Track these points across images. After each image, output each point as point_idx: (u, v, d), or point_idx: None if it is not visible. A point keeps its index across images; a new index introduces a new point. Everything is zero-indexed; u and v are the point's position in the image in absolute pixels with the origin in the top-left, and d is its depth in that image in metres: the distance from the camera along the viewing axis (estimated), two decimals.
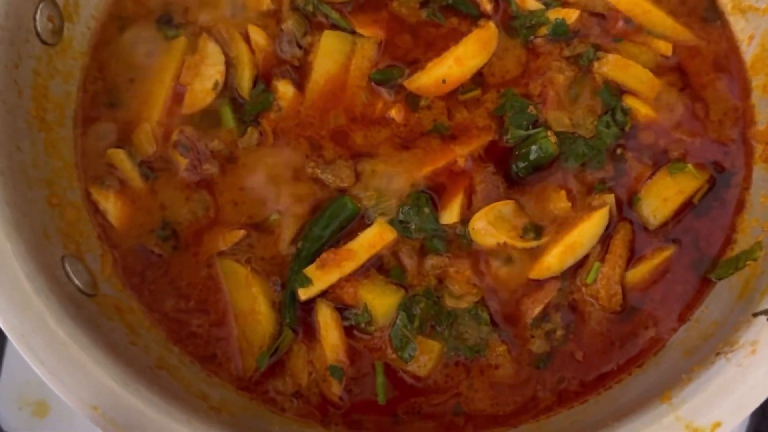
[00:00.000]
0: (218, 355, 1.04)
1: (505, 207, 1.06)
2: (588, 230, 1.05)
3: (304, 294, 1.02)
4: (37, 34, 1.03)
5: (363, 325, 1.03)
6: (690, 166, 1.08)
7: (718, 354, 0.90)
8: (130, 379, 0.87)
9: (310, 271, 1.02)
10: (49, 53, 1.06)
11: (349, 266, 1.03)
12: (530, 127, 1.09)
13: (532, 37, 1.14)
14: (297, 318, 1.04)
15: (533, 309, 1.04)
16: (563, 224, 1.07)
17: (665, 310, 1.07)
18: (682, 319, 1.06)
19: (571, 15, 1.14)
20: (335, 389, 1.01)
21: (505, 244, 1.05)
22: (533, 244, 1.05)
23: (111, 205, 1.07)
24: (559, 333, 1.04)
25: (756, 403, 0.85)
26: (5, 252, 0.89)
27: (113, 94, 1.12)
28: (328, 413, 1.03)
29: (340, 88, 1.12)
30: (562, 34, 1.13)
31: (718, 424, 0.84)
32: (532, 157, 1.07)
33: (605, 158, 1.09)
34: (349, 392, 1.03)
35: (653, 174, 1.09)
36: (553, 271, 1.05)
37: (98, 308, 0.97)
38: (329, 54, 1.12)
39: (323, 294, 1.04)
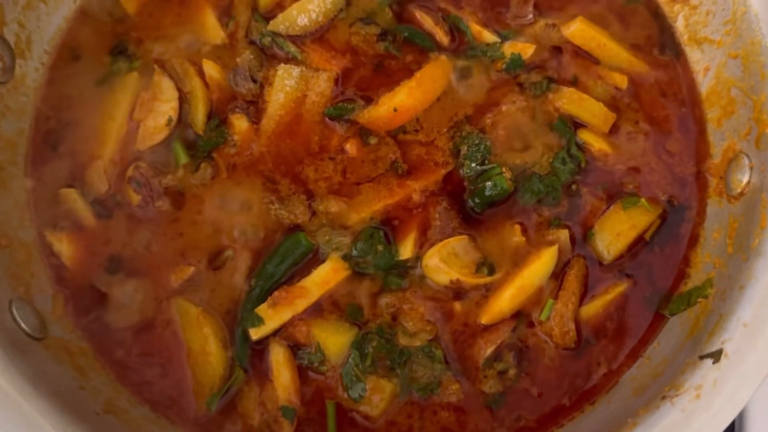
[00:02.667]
0: (171, 396, 1.03)
1: (458, 243, 1.06)
2: (538, 270, 1.05)
3: (255, 334, 1.02)
4: None
5: (316, 364, 1.03)
6: (643, 200, 1.09)
7: (663, 398, 0.90)
8: (75, 427, 0.87)
9: (262, 310, 1.02)
10: (0, 92, 1.05)
11: (301, 304, 1.03)
12: (486, 161, 1.08)
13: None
14: (248, 358, 1.03)
15: (485, 350, 1.04)
16: (518, 260, 1.06)
17: (618, 346, 1.07)
18: (635, 354, 1.06)
19: (527, 49, 1.14)
20: (286, 430, 1.00)
21: (458, 280, 1.04)
22: (487, 280, 1.05)
23: (64, 246, 1.07)
24: (512, 372, 1.04)
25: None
26: None
27: (65, 132, 1.12)
28: None
29: (296, 123, 1.11)
30: (517, 68, 1.13)
31: None
32: (487, 193, 1.07)
33: (561, 194, 1.08)
34: None
35: (607, 208, 1.09)
36: (504, 315, 1.05)
37: (46, 352, 0.97)
38: (284, 89, 1.11)
39: (276, 332, 1.03)
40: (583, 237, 1.09)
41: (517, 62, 1.13)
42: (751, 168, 1.03)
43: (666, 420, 0.88)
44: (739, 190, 1.04)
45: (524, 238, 1.07)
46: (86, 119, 1.12)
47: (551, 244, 1.07)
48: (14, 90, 1.08)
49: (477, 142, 1.09)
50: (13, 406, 0.86)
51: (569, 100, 1.12)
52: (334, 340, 1.02)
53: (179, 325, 1.05)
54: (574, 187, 1.10)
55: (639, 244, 1.10)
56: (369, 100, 1.12)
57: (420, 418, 1.03)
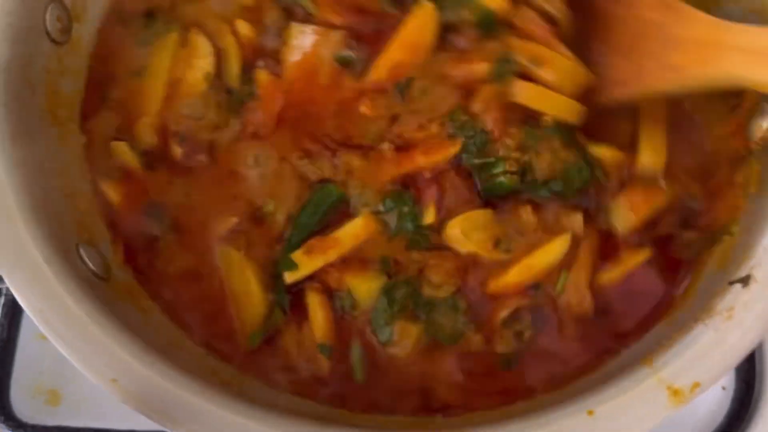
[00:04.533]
0: (220, 336, 1.09)
1: (481, 216, 1.09)
2: (547, 255, 1.09)
3: (290, 277, 1.07)
4: (47, 34, 1.08)
5: (348, 308, 1.08)
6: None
7: (696, 320, 0.95)
8: (145, 354, 0.92)
9: (297, 256, 1.08)
10: (59, 52, 1.11)
11: (333, 253, 1.08)
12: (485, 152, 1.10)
13: None
14: (287, 301, 1.09)
15: (501, 312, 1.08)
16: (531, 239, 1.10)
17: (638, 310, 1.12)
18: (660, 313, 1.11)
19: None
20: (324, 366, 1.06)
21: (475, 254, 1.09)
22: (503, 257, 1.09)
23: (115, 195, 1.13)
24: (528, 334, 1.08)
25: (732, 365, 0.91)
26: (25, 239, 0.94)
27: (115, 90, 1.18)
28: (318, 390, 1.07)
29: (311, 81, 1.15)
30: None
31: (697, 385, 0.90)
32: (491, 186, 1.10)
33: (575, 192, 1.11)
34: (337, 372, 1.08)
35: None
36: (509, 291, 1.09)
37: (112, 292, 1.02)
38: (296, 47, 1.15)
39: (311, 278, 1.08)
40: (597, 212, 1.12)
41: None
42: None
43: (700, 340, 0.93)
44: (760, 134, 1.10)
45: (536, 218, 1.10)
46: (133, 78, 1.18)
47: (564, 228, 1.10)
48: (71, 51, 1.14)
49: (472, 134, 1.11)
50: (87, 332, 0.91)
51: None
52: (364, 287, 1.08)
53: (223, 270, 1.10)
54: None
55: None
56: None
57: (445, 363, 1.08)
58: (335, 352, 1.08)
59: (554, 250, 1.09)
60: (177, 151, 1.14)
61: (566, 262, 1.10)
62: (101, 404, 1.26)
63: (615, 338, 1.10)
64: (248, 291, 1.09)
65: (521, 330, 1.08)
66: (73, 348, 0.90)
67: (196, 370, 0.98)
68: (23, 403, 1.29)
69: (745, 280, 0.95)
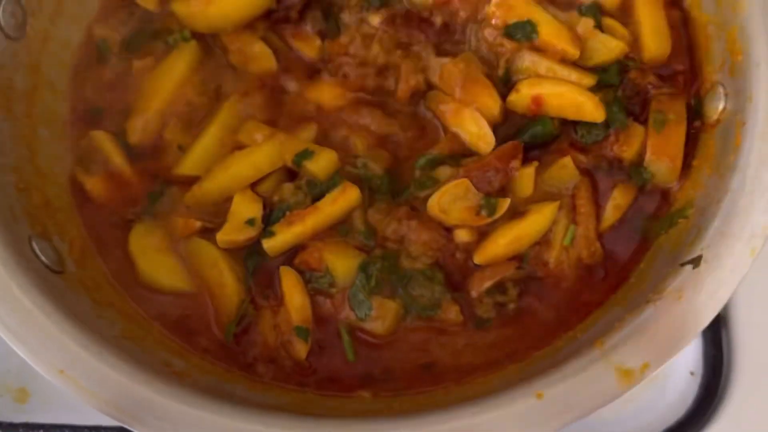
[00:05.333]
0: (195, 328, 1.10)
1: (457, 188, 1.09)
2: (536, 224, 1.09)
3: (267, 244, 1.07)
4: (1, 29, 1.09)
5: (326, 287, 1.08)
6: None
7: (647, 302, 0.95)
8: (94, 345, 0.92)
9: (276, 227, 1.08)
10: (14, 47, 1.11)
11: (311, 221, 1.08)
12: None
13: None
14: (260, 285, 1.10)
15: (483, 283, 1.08)
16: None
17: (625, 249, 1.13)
18: (626, 275, 1.12)
19: None
20: (301, 349, 1.06)
21: (455, 226, 1.10)
22: (488, 221, 1.09)
23: (94, 187, 1.15)
24: (512, 306, 1.09)
25: (683, 345, 0.91)
26: None
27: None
28: (298, 376, 1.08)
29: None
30: None
31: (647, 366, 0.90)
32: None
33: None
34: (317, 355, 1.08)
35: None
36: (498, 259, 1.09)
37: (65, 284, 1.02)
38: None
39: (290, 260, 1.09)
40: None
41: None
42: (726, 95, 1.09)
43: (651, 321, 0.94)
44: (715, 117, 1.10)
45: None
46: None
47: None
48: (26, 47, 1.14)
49: None
50: (36, 324, 0.91)
51: None
52: (343, 263, 1.08)
53: (195, 262, 1.10)
54: None
55: None
56: None
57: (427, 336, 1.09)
58: (314, 336, 1.08)
59: (543, 220, 1.09)
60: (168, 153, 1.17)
61: (568, 217, 1.11)
62: (69, 401, 1.23)
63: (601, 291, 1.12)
64: (222, 283, 1.08)
65: (505, 301, 1.09)
66: (21, 339, 0.90)
67: (149, 360, 0.98)
68: None
69: (695, 261, 0.95)
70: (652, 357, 0.90)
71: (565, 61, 1.13)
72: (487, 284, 1.08)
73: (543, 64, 1.12)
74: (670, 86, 1.15)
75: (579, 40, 1.12)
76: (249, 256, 1.11)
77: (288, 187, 1.10)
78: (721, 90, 1.10)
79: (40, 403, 1.29)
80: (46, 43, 1.18)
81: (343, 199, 1.08)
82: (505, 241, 1.08)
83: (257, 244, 1.09)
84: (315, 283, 1.08)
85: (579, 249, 1.10)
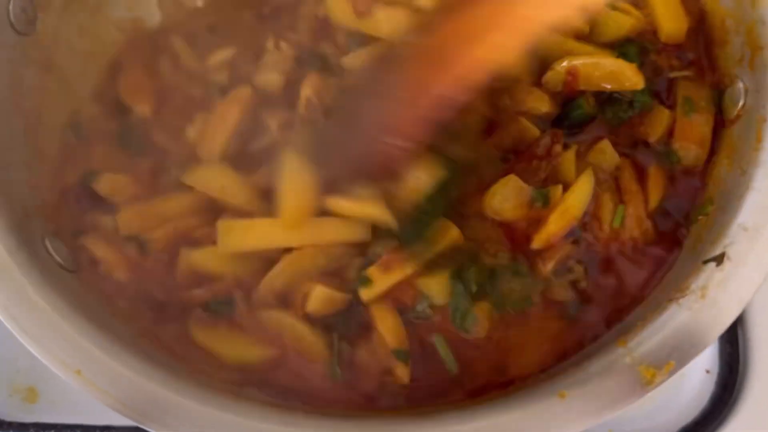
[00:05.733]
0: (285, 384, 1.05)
1: (505, 186, 1.07)
2: (579, 192, 1.07)
3: (364, 293, 1.04)
4: (11, 25, 1.07)
5: (426, 313, 1.05)
6: None
7: (670, 300, 0.94)
8: (109, 344, 0.91)
9: (371, 272, 1.04)
10: (23, 43, 1.10)
11: (411, 268, 1.04)
12: None
13: None
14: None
15: (546, 266, 1.07)
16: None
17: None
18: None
19: None
20: (403, 373, 1.03)
21: (512, 222, 1.08)
22: (540, 214, 1.08)
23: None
24: (583, 284, 1.08)
25: (707, 345, 0.90)
26: None
27: None
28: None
29: None
30: None
31: (671, 366, 0.89)
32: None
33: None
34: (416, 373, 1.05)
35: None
36: (552, 238, 1.07)
37: (79, 283, 1.01)
38: None
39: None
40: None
41: None
42: (746, 91, 1.08)
43: (674, 320, 0.92)
44: (735, 112, 1.09)
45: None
46: None
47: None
48: (37, 42, 1.12)
49: None
50: (51, 324, 0.90)
51: None
52: (436, 281, 1.05)
53: (271, 328, 1.06)
54: None
55: None
56: None
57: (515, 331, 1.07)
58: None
59: (583, 187, 1.07)
60: None
61: (616, 198, 1.10)
62: (79, 401, 1.25)
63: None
64: (302, 337, 1.05)
65: (575, 279, 1.08)
66: (35, 339, 0.88)
67: (168, 362, 0.97)
68: (0, 401, 1.27)
69: (719, 259, 0.94)
70: (676, 356, 0.89)
71: (580, 38, 1.13)
72: (550, 265, 1.07)
73: (566, 44, 1.12)
74: (692, 71, 1.15)
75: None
76: None
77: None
78: (740, 85, 1.09)
79: (49, 403, 1.27)
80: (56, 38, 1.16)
81: (446, 240, 1.05)
82: (553, 217, 1.06)
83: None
84: (413, 314, 1.05)
85: (630, 229, 1.09)
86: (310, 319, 1.05)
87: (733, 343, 1.27)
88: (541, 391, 0.89)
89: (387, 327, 1.03)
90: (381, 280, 1.03)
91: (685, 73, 1.15)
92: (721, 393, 1.25)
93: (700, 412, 1.26)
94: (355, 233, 1.06)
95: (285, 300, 1.06)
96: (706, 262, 0.96)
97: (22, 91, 1.09)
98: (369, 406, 1.03)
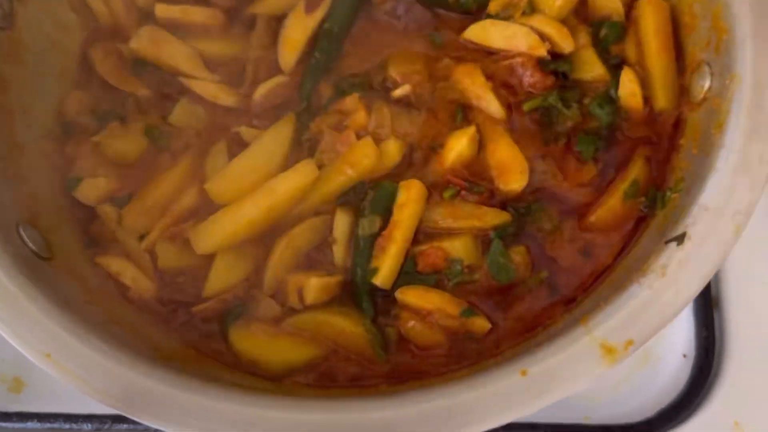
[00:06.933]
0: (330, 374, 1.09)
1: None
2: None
3: (379, 281, 1.07)
4: None
5: (465, 276, 1.09)
6: None
7: (632, 280, 0.95)
8: (81, 330, 0.93)
9: (374, 261, 1.07)
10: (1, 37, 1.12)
11: (400, 235, 1.07)
12: None
13: None
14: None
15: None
16: None
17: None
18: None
19: None
20: (482, 323, 1.07)
21: None
22: None
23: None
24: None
25: (666, 322, 0.91)
26: None
27: None
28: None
29: None
30: None
31: (630, 342, 0.90)
32: None
33: None
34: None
35: None
36: None
37: (53, 270, 1.02)
38: None
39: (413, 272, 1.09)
40: None
41: None
42: (712, 74, 1.09)
43: (634, 298, 0.93)
44: (701, 96, 1.10)
45: None
46: None
47: None
48: (15, 36, 1.14)
49: None
50: (22, 308, 0.92)
51: None
52: (463, 242, 1.08)
53: (309, 330, 1.09)
54: None
55: None
56: None
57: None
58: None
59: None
60: None
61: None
62: (64, 391, 1.27)
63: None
64: (343, 331, 1.08)
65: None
66: (7, 324, 0.90)
67: (139, 346, 0.98)
68: None
69: (680, 239, 0.95)
70: (635, 334, 0.90)
71: None
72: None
73: None
74: None
75: None
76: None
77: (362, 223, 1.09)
78: (707, 69, 1.09)
79: (35, 393, 1.30)
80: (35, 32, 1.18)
81: (413, 200, 1.08)
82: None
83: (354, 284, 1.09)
84: (453, 280, 1.08)
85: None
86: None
87: (709, 327, 1.29)
88: (502, 370, 0.90)
89: (436, 303, 1.06)
90: (385, 262, 1.06)
91: None
92: (698, 376, 1.27)
93: (677, 396, 1.27)
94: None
95: (282, 299, 1.09)
96: (668, 242, 0.97)
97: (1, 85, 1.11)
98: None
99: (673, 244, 0.95)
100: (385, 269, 1.06)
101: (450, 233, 1.09)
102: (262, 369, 1.05)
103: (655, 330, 0.90)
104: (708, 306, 1.29)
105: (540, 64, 1.15)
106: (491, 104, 1.13)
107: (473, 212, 1.10)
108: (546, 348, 0.91)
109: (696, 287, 0.91)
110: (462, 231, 1.09)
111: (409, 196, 1.08)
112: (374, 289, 1.08)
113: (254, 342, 1.07)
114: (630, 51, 1.18)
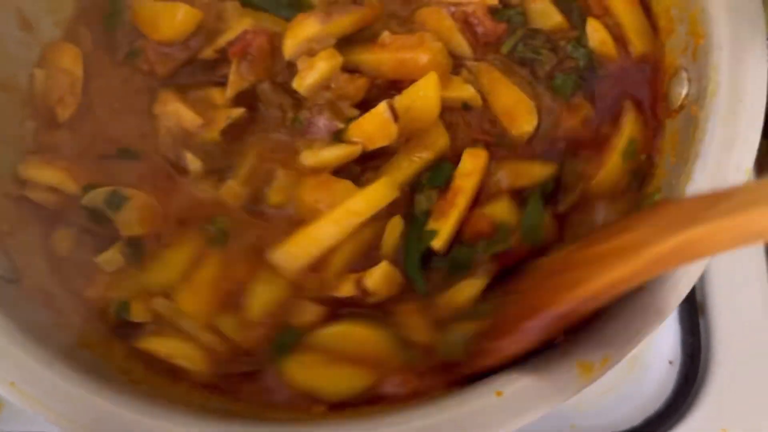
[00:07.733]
0: None
1: None
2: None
3: (437, 243, 1.04)
4: None
5: (508, 240, 1.06)
6: None
7: None
8: (46, 356, 0.91)
9: (430, 224, 1.04)
10: None
11: (462, 200, 1.05)
12: None
13: None
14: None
15: None
16: None
17: None
18: None
19: None
20: None
21: None
22: None
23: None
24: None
25: (643, 337, 0.89)
26: None
27: None
28: None
29: None
30: None
31: (606, 359, 0.88)
32: None
33: None
34: None
35: None
36: None
37: (21, 293, 1.01)
38: None
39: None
40: None
41: None
42: (689, 80, 1.07)
43: (610, 313, 0.91)
44: (679, 103, 1.08)
45: None
46: None
47: None
48: None
49: None
50: None
51: None
52: (502, 206, 1.07)
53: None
54: None
55: None
56: None
57: None
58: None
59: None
60: None
61: None
62: None
63: None
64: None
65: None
66: None
67: (108, 370, 0.97)
68: None
69: None
70: (612, 350, 0.88)
71: None
72: None
73: None
74: None
75: None
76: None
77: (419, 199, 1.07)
78: (684, 75, 1.08)
79: (14, 413, 1.28)
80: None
81: (479, 168, 1.06)
82: None
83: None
84: (496, 246, 1.05)
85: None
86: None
87: (695, 334, 1.28)
88: (477, 391, 0.88)
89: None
90: (445, 226, 1.04)
91: None
92: (684, 383, 1.26)
93: (663, 403, 1.26)
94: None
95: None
96: None
97: None
98: None
99: None
100: (444, 233, 1.03)
101: (488, 198, 1.07)
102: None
103: (632, 345, 0.88)
104: (694, 312, 1.27)
105: (491, 12, 1.14)
106: (460, 43, 1.13)
107: (523, 168, 1.09)
108: (520, 368, 0.89)
109: (675, 300, 0.90)
110: (501, 192, 1.07)
111: (476, 165, 1.06)
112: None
113: (312, 375, 1.01)
114: (594, 3, 1.17)
